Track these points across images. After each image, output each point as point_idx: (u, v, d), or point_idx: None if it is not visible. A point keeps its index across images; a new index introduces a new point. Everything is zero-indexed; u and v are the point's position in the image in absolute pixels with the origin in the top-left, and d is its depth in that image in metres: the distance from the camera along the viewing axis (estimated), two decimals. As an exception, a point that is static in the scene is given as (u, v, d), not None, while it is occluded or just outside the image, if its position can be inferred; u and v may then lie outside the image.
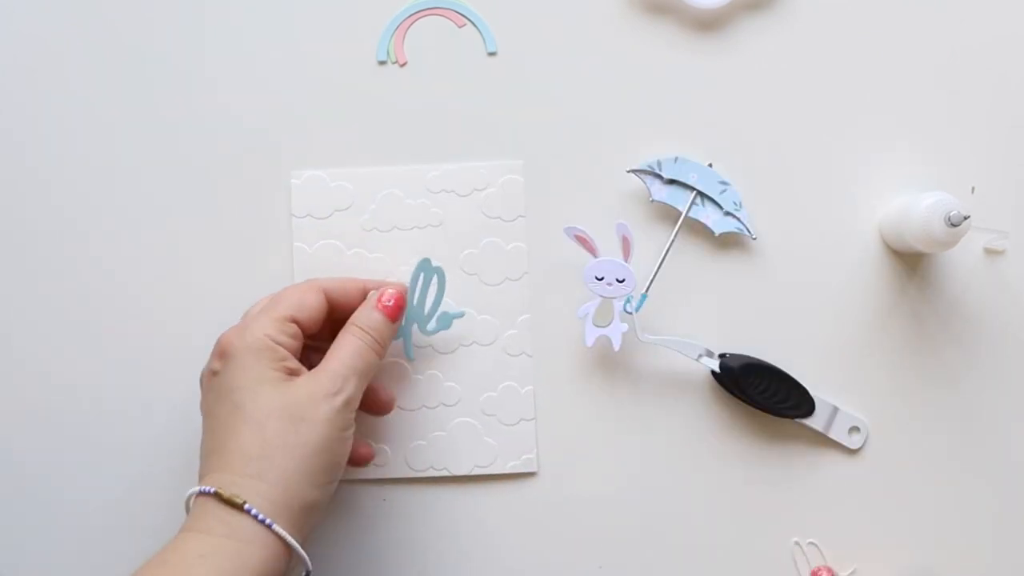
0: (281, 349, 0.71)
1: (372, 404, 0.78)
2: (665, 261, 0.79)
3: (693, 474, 0.82)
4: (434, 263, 0.77)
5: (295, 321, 0.73)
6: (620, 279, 0.76)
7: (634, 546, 0.82)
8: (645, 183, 0.80)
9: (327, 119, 0.84)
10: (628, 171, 0.81)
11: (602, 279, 0.76)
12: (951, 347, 0.83)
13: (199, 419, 0.71)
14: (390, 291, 0.75)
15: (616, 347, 0.77)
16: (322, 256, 0.83)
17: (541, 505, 0.82)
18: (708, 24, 0.83)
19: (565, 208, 0.80)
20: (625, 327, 0.77)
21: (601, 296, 0.77)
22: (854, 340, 0.82)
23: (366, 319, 0.74)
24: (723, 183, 0.80)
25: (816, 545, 0.82)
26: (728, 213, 0.80)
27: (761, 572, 0.82)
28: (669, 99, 0.82)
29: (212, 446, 0.69)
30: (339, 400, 0.69)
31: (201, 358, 0.73)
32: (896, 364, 0.82)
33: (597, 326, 0.77)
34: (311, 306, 0.74)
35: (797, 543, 0.82)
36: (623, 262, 0.76)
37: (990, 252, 0.83)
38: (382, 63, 0.83)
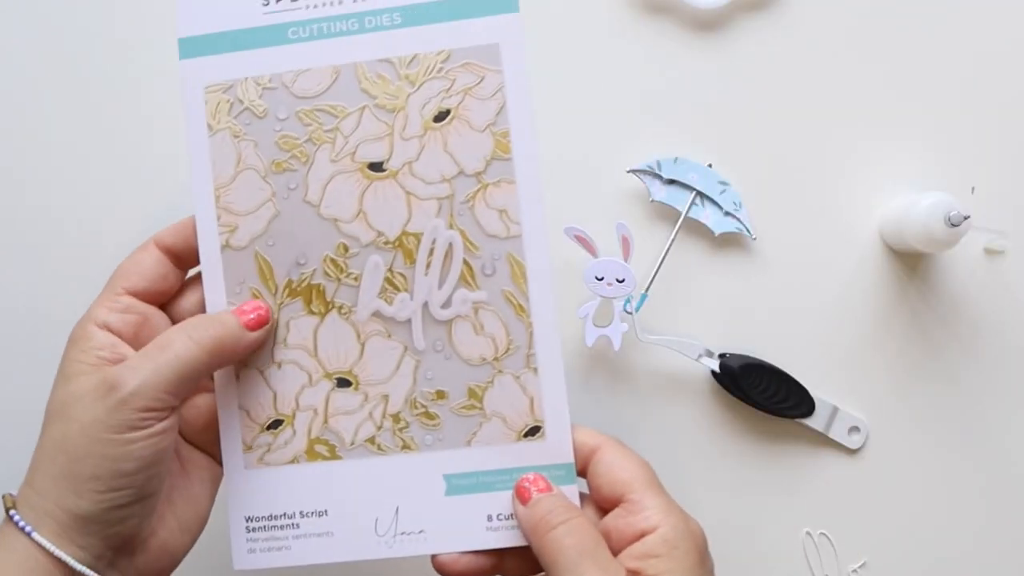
0: (98, 335, 0.61)
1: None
2: (665, 261, 0.79)
3: (692, 474, 0.82)
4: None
5: (131, 292, 0.63)
6: (620, 279, 0.76)
7: None
8: (645, 183, 0.80)
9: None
10: (628, 171, 0.81)
11: (602, 279, 0.76)
12: (951, 347, 0.83)
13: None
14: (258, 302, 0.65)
15: (616, 347, 0.77)
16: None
17: None
18: (708, 24, 0.83)
19: (565, 208, 0.80)
20: (625, 327, 0.77)
21: (601, 296, 0.77)
22: (854, 340, 0.82)
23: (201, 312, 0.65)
24: (723, 183, 0.80)
25: (827, 536, 0.82)
26: (728, 213, 0.80)
27: (761, 572, 0.82)
28: (669, 99, 0.82)
29: None
30: (113, 398, 0.58)
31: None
32: (896, 364, 0.82)
33: (597, 326, 0.77)
34: (145, 268, 0.64)
35: (808, 533, 0.83)
36: (623, 262, 0.76)
37: (990, 252, 0.83)
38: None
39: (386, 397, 0.64)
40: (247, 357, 0.64)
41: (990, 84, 0.83)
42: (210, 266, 0.64)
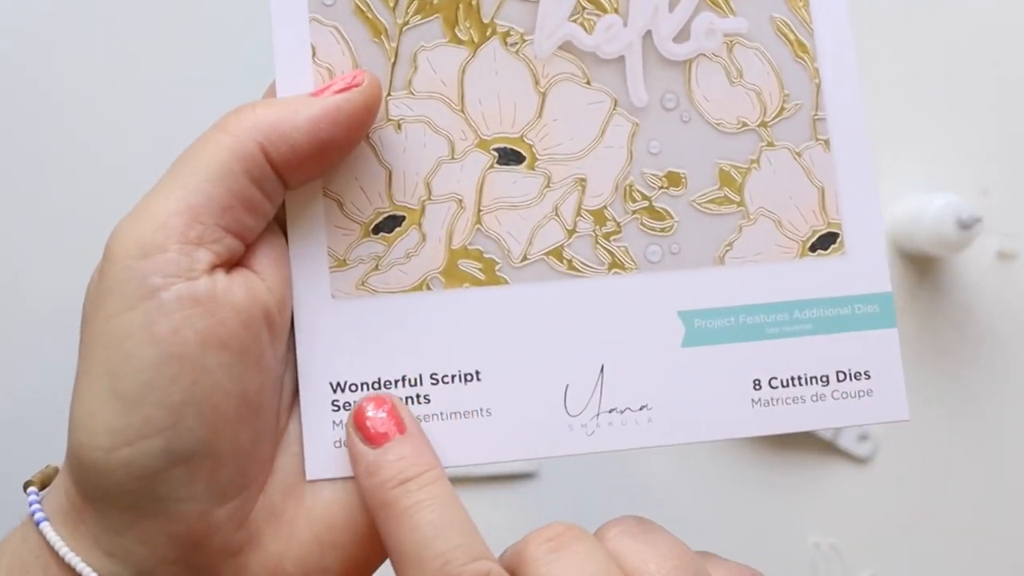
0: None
1: None
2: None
3: (700, 482, 0.79)
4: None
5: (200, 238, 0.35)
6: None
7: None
8: None
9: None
10: None
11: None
12: (963, 353, 0.80)
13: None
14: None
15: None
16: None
17: (541, 507, 0.78)
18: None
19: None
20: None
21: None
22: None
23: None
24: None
25: (835, 546, 0.79)
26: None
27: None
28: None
29: None
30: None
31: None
32: (907, 370, 0.72)
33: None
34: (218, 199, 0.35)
35: (816, 543, 0.79)
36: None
37: (1003, 255, 0.81)
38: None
39: (582, 181, 0.38)
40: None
41: (1001, 85, 0.82)
42: None
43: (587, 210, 0.38)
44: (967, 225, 0.74)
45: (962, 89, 0.80)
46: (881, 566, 0.79)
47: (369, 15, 0.38)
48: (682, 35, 0.39)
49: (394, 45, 0.38)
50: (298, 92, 0.37)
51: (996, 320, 0.79)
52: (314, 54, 0.37)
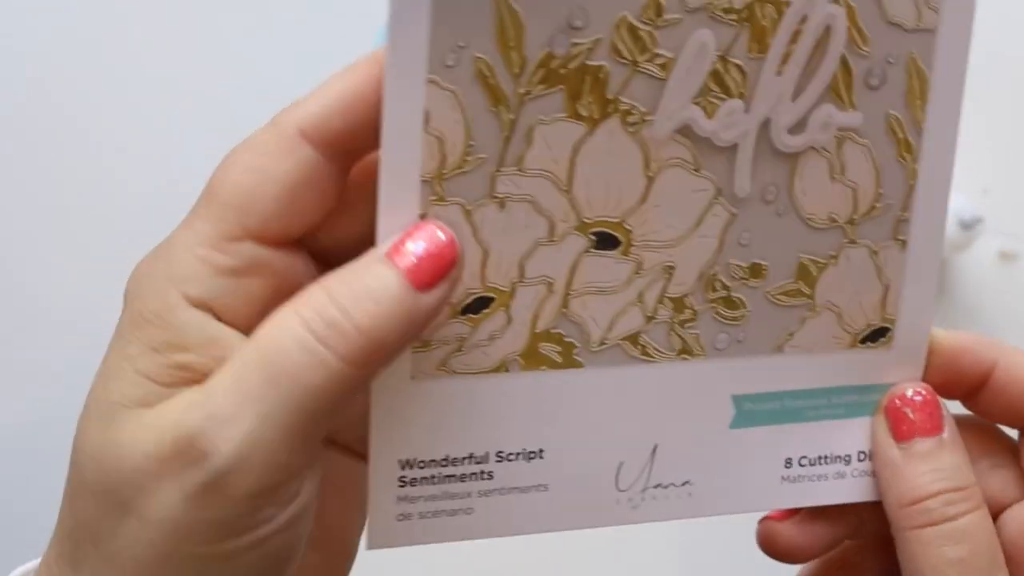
0: (188, 316, 0.32)
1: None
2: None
3: None
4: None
5: (252, 237, 0.33)
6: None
7: (636, 546, 0.80)
8: None
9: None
10: None
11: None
12: None
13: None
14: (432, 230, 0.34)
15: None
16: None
17: None
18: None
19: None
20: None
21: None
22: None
23: (349, 275, 0.33)
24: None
25: None
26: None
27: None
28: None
29: None
30: (198, 475, 0.31)
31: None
32: None
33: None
34: (283, 187, 0.33)
35: None
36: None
37: (1005, 256, 0.81)
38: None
39: (670, 270, 0.38)
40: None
41: (1002, 84, 0.80)
42: (405, 9, 0.33)
43: (669, 297, 0.38)
44: (968, 225, 0.73)
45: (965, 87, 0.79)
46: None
47: (491, 81, 0.34)
48: (798, 126, 0.37)
49: (512, 117, 0.34)
50: (405, 162, 0.34)
51: (997, 320, 0.79)
52: (427, 122, 0.34)
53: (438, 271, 0.33)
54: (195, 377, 0.32)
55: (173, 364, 0.32)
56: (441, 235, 0.33)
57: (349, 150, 0.34)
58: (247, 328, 0.33)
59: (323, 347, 0.31)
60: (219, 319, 0.33)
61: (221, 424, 0.30)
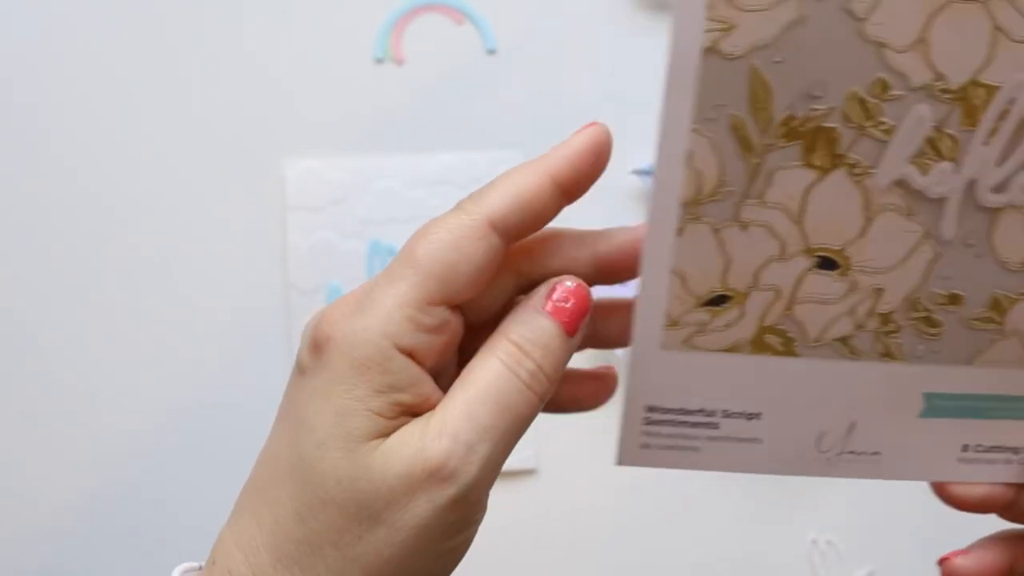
0: (401, 363, 0.43)
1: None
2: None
3: (696, 477, 0.77)
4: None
5: (445, 302, 0.44)
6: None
7: (636, 546, 0.82)
8: (648, 183, 0.69)
9: (323, 114, 0.85)
10: (631, 172, 0.78)
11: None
12: None
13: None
14: (568, 284, 0.47)
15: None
16: (318, 248, 0.83)
17: (541, 503, 0.81)
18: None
19: (566, 209, 0.67)
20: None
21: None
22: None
23: (526, 330, 0.45)
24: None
25: (833, 543, 0.83)
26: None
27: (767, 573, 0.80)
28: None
29: (252, 484, 0.45)
30: (450, 490, 0.41)
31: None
32: None
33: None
34: (481, 263, 0.45)
35: (814, 540, 0.83)
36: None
37: None
38: (379, 61, 0.83)
39: (879, 291, 0.47)
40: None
41: None
42: (679, 75, 0.44)
43: (878, 312, 0.47)
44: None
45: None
46: (878, 563, 0.82)
47: (742, 133, 0.45)
48: (1001, 186, 0.46)
49: (757, 161, 0.45)
50: (670, 189, 0.45)
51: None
52: (690, 160, 0.45)
53: (580, 318, 0.47)
54: (410, 411, 0.43)
55: (393, 402, 0.43)
56: (584, 291, 0.47)
57: (516, 237, 0.47)
58: (431, 369, 0.45)
59: (530, 391, 0.44)
60: (418, 364, 0.44)
61: (466, 450, 0.42)
